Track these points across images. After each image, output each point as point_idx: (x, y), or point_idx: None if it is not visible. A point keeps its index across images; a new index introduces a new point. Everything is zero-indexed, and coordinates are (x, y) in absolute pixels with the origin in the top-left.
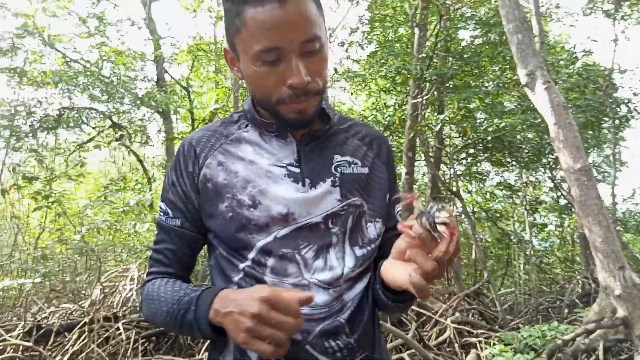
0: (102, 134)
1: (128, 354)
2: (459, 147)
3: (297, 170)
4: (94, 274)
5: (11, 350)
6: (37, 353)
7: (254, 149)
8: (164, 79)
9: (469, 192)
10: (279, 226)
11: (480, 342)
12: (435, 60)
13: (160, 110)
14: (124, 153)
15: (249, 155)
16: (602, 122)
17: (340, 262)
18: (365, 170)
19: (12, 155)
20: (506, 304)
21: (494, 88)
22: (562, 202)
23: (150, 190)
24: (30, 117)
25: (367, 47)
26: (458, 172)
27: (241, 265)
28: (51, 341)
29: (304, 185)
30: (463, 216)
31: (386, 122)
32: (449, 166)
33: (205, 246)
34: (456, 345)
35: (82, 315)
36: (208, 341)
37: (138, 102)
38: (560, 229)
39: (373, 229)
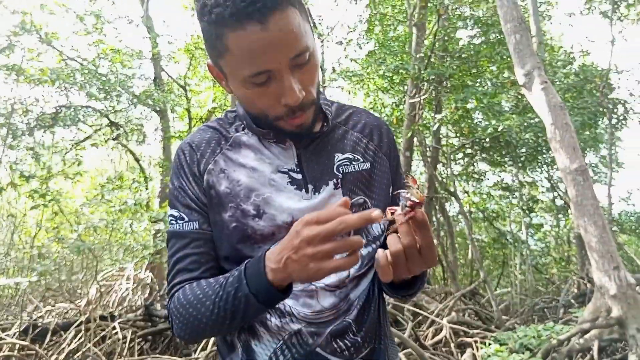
0: (98, 132)
1: (124, 353)
2: (456, 147)
3: (299, 176)
4: (90, 273)
5: (7, 349)
6: (33, 352)
7: (255, 155)
8: (161, 77)
9: (466, 192)
10: (285, 234)
11: (476, 342)
12: (433, 59)
13: (158, 109)
14: (120, 152)
15: (250, 162)
16: (599, 122)
17: None
18: (367, 165)
19: (9, 153)
20: (502, 304)
21: (492, 88)
22: (558, 202)
23: (147, 189)
24: (27, 115)
25: (365, 45)
26: (455, 172)
27: None
28: (47, 340)
29: (307, 191)
30: (460, 216)
31: None
32: (446, 166)
33: None
34: (452, 345)
35: (79, 314)
36: (204, 341)
37: (135, 100)
38: (557, 229)
39: (377, 225)
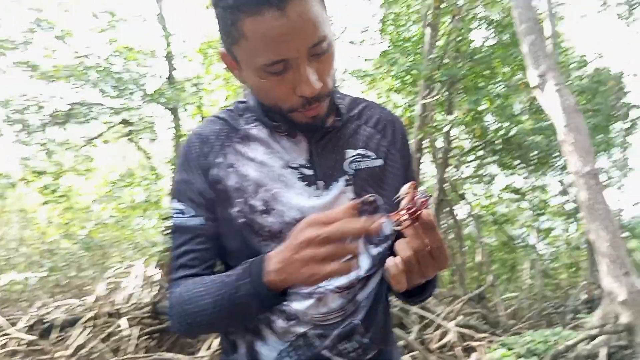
0: (111, 129)
1: (131, 350)
2: (466, 149)
3: (310, 172)
4: (99, 270)
5: (15, 344)
6: (40, 347)
7: (265, 149)
8: (174, 75)
9: (476, 194)
10: None
11: (482, 346)
12: (446, 60)
13: (170, 107)
14: (132, 149)
15: (260, 156)
16: (611, 126)
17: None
18: (380, 162)
19: (22, 149)
20: (510, 309)
21: (505, 90)
22: (568, 207)
23: (157, 186)
24: (40, 112)
25: (378, 44)
26: (465, 175)
27: None
28: (55, 335)
29: (317, 188)
30: (469, 219)
31: None
32: (456, 168)
33: None
34: (458, 348)
35: (86, 311)
36: (210, 340)
37: (148, 98)
38: (567, 234)
39: (388, 224)
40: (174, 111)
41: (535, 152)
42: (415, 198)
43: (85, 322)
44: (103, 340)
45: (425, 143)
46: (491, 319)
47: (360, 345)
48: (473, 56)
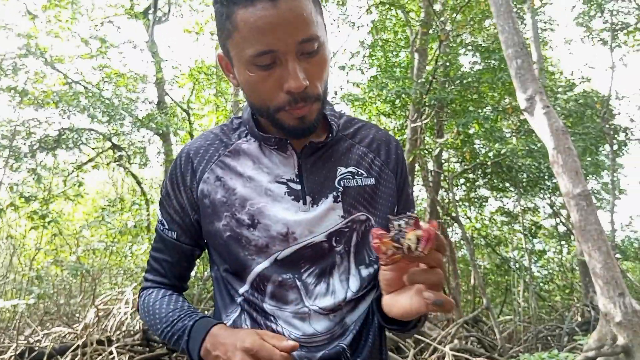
0: (101, 155)
1: None
2: (457, 172)
3: (298, 187)
4: (89, 297)
5: None
6: None
7: (253, 163)
8: (165, 101)
9: (468, 217)
10: (280, 247)
11: None
12: (434, 85)
13: (160, 132)
14: (122, 174)
15: (248, 171)
16: (600, 148)
17: (344, 285)
18: (371, 181)
19: (11, 175)
20: (505, 332)
21: (493, 113)
22: (561, 229)
23: (147, 212)
24: (29, 138)
25: (367, 70)
26: (457, 197)
27: (240, 290)
28: None
29: (305, 203)
30: (462, 242)
31: None
32: (448, 191)
33: (198, 259)
34: None
35: (76, 339)
36: None
37: (138, 123)
38: (560, 256)
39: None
40: (164, 136)
41: (525, 175)
42: (400, 228)
43: (75, 350)
44: None
45: (417, 166)
46: (487, 343)
47: None
48: (462, 80)
